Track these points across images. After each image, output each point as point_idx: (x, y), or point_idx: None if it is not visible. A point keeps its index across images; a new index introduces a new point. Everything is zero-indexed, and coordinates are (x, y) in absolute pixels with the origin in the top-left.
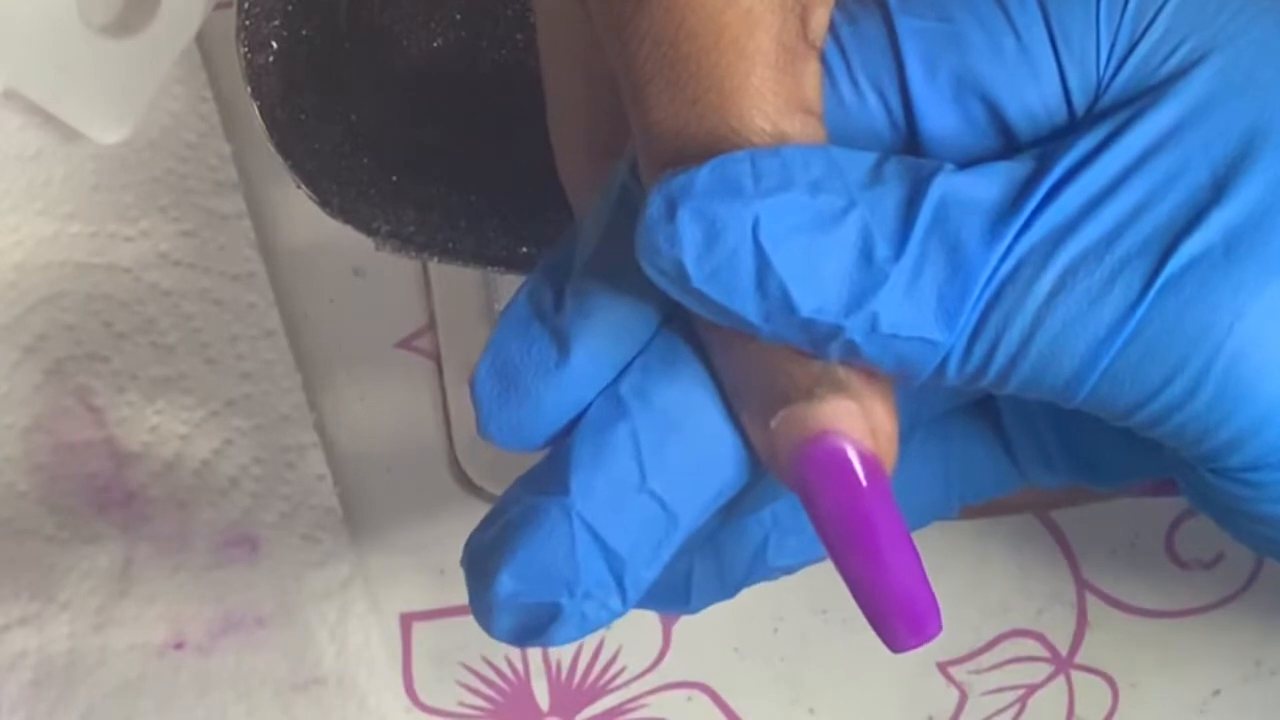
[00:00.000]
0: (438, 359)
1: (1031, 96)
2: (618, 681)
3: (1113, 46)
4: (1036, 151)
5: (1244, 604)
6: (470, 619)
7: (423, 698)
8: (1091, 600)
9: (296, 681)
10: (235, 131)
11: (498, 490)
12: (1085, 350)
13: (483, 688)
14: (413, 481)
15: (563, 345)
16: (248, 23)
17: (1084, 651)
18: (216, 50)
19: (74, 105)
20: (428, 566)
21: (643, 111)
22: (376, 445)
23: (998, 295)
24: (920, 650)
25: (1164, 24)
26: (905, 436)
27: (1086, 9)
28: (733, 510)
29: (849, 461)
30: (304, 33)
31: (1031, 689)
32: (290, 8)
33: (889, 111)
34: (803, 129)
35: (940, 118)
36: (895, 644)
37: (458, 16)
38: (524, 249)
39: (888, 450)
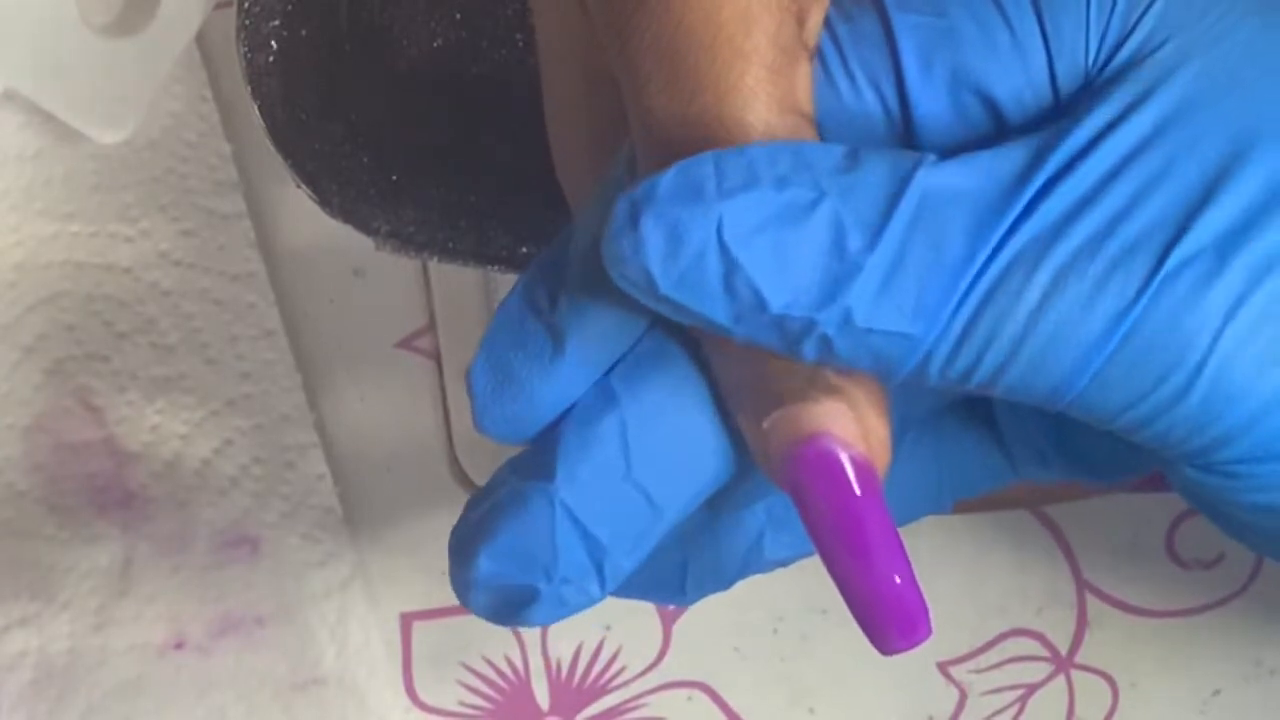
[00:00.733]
0: (438, 359)
1: (1025, 91)
2: (618, 681)
3: (1101, 43)
4: (1023, 141)
5: (1244, 604)
6: (471, 618)
7: (423, 697)
8: (1091, 600)
9: (296, 681)
10: (235, 131)
11: None
12: (1076, 355)
13: (483, 687)
14: (413, 481)
15: (557, 340)
16: (248, 23)
17: (1084, 651)
18: (216, 50)
19: (74, 105)
20: (428, 566)
21: (641, 109)
22: (376, 445)
23: (987, 299)
24: (920, 650)
25: (1150, 23)
26: (898, 436)
27: (1077, 5)
28: (727, 504)
29: (840, 464)
30: (304, 33)
31: (1031, 689)
32: (290, 8)
33: (885, 106)
34: (794, 130)
35: (936, 112)
36: (884, 646)
37: (458, 16)
38: (524, 249)
39: (880, 453)
